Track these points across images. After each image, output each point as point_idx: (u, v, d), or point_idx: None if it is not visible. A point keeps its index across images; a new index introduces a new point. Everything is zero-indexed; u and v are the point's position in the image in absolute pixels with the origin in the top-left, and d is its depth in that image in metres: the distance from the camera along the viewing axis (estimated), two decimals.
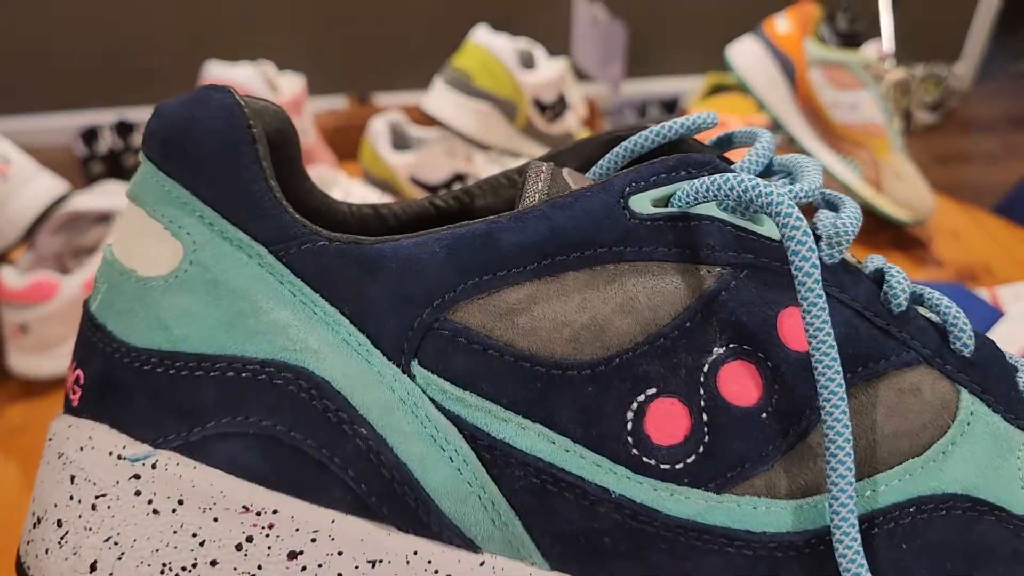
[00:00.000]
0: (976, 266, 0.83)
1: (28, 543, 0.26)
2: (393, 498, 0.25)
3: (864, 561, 0.23)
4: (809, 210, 0.29)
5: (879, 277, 0.27)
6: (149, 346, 0.26)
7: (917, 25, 2.84)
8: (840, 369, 0.23)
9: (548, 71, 0.89)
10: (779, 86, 0.86)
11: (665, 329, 0.25)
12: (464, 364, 0.25)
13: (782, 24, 0.86)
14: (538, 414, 0.25)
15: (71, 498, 0.26)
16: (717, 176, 0.25)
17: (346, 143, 1.06)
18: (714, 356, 0.25)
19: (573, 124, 0.96)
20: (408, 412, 0.25)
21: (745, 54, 0.87)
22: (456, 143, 0.84)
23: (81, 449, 0.26)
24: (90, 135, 2.41)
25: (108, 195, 0.76)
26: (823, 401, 0.23)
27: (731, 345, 0.25)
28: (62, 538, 0.25)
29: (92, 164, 2.37)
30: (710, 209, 0.26)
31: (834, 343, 0.23)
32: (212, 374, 0.25)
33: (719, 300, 0.25)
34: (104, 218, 0.76)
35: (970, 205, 0.94)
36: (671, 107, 2.64)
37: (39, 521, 0.26)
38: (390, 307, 0.25)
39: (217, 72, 0.76)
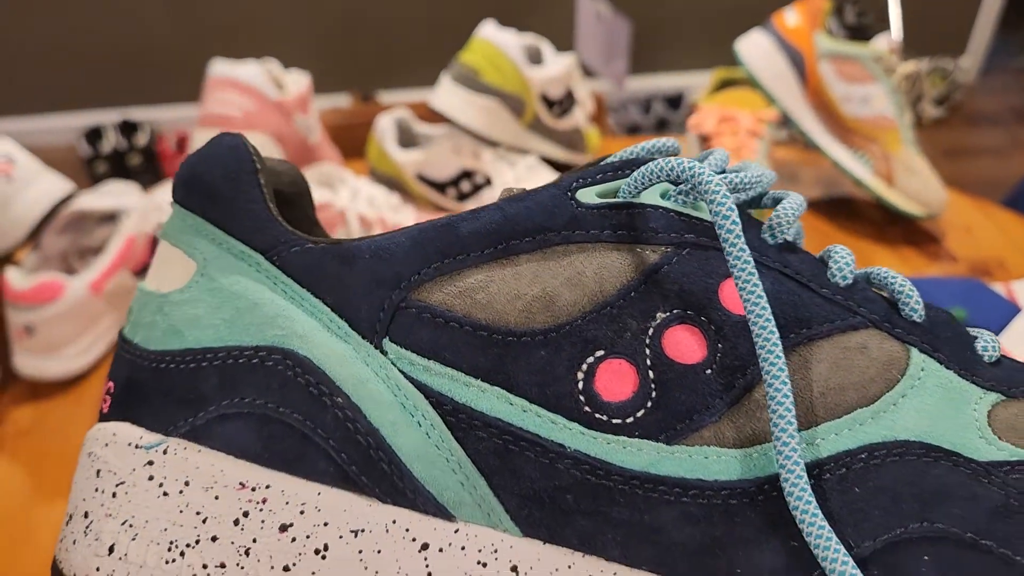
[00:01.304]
0: (989, 261, 0.82)
1: (61, 540, 0.29)
2: (370, 464, 0.27)
3: (812, 500, 0.24)
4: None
5: (826, 257, 0.29)
6: (165, 349, 0.29)
7: (922, 19, 2.83)
8: (773, 323, 0.25)
9: (556, 66, 0.88)
10: (789, 80, 0.85)
11: (611, 298, 0.27)
12: (428, 337, 0.27)
13: (792, 17, 0.85)
14: (496, 378, 0.27)
15: (96, 490, 0.28)
16: (651, 163, 0.27)
17: (351, 141, 1.06)
18: (658, 320, 0.27)
19: (581, 120, 0.95)
20: (380, 383, 0.27)
21: (754, 48, 0.86)
22: (463, 140, 0.84)
23: (106, 445, 0.29)
24: (94, 135, 2.41)
25: (113, 195, 0.75)
26: (758, 349, 0.25)
27: (675, 311, 0.27)
28: (87, 527, 0.28)
29: (96, 164, 2.37)
30: (653, 198, 0.28)
31: (763, 297, 0.25)
32: (214, 364, 0.28)
33: (662, 272, 0.27)
34: (109, 217, 0.75)
35: (979, 199, 0.93)
36: (676, 103, 2.63)
37: (70, 518, 0.29)
38: (364, 292, 0.28)
39: (223, 70, 0.75)
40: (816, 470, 0.26)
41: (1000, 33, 3.06)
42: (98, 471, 0.28)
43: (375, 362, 0.27)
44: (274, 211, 0.30)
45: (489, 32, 0.86)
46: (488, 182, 0.82)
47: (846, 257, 0.28)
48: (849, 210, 0.91)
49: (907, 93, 0.85)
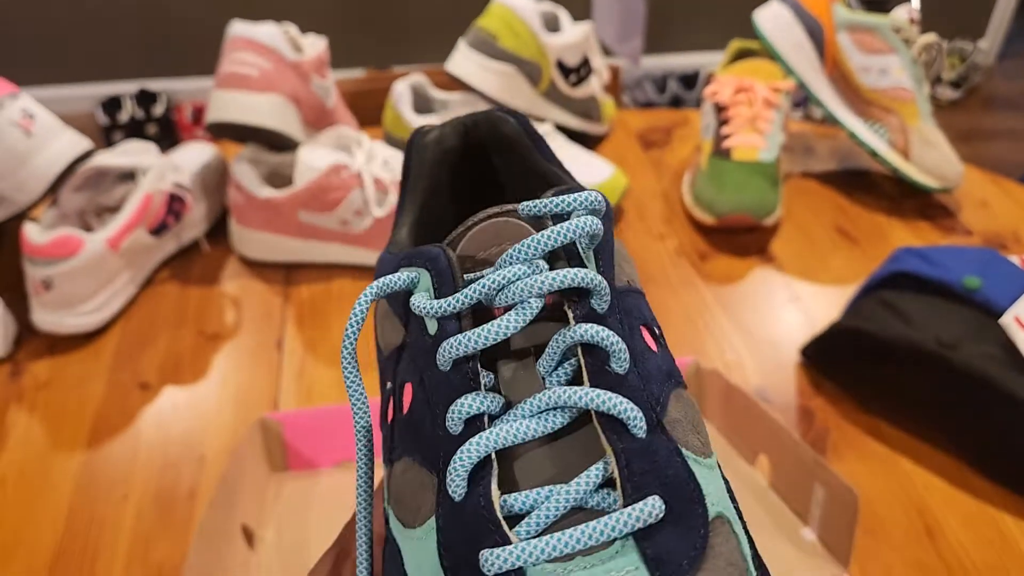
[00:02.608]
0: (1005, 234, 0.82)
1: None
2: None
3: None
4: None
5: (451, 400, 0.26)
6: None
7: (942, 1, 2.80)
8: (367, 452, 0.28)
9: (572, 33, 0.88)
10: (806, 50, 0.85)
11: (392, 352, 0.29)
12: None
13: None
14: None
15: None
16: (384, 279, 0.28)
17: (366, 110, 1.06)
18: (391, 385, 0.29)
19: (596, 89, 0.95)
20: None
21: (773, 18, 0.85)
22: (479, 106, 0.84)
23: None
24: (112, 104, 2.42)
25: (131, 153, 0.75)
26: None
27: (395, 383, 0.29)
28: None
29: (113, 132, 2.37)
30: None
31: (363, 432, 0.28)
32: None
33: (404, 349, 0.29)
34: (128, 176, 0.76)
35: (996, 175, 0.93)
36: (691, 82, 2.62)
37: None
38: None
39: (241, 30, 0.75)
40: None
41: (1019, 17, 3.03)
42: None
43: None
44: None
45: None
46: None
47: (460, 409, 0.24)
48: (865, 183, 0.91)
49: (926, 64, 0.84)
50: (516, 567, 0.21)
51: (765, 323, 0.72)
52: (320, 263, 0.79)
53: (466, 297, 0.25)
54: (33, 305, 0.69)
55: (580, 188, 0.27)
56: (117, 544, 0.56)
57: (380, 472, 0.38)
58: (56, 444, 0.63)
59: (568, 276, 0.24)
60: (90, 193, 0.75)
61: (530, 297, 0.24)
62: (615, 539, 0.21)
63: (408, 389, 0.27)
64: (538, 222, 0.27)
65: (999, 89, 2.87)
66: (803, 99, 2.46)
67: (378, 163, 0.75)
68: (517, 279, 0.25)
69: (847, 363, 0.65)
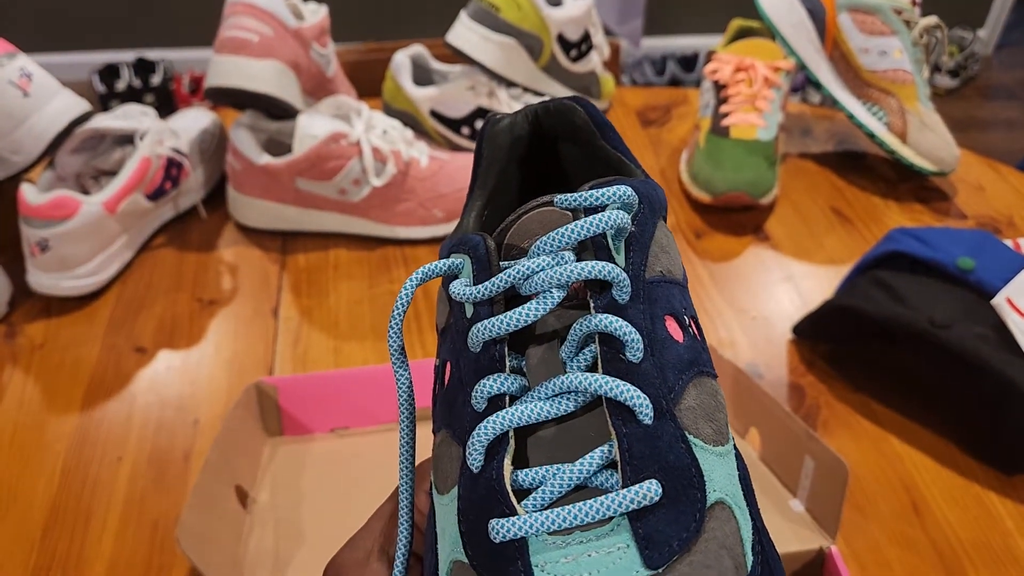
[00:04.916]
0: (1000, 219, 0.83)
1: None
2: None
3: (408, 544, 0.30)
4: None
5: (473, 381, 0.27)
6: None
7: None
8: (409, 433, 0.30)
9: (575, 7, 0.87)
10: (807, 30, 0.85)
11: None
12: None
13: None
14: None
15: None
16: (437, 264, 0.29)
17: (366, 82, 1.06)
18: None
19: (597, 65, 0.95)
20: None
21: None
22: (480, 78, 0.84)
23: None
24: (109, 73, 2.40)
25: (130, 117, 0.75)
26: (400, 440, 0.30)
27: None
28: None
29: (110, 101, 2.36)
30: None
31: (406, 403, 0.30)
32: None
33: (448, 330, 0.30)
34: (126, 140, 0.75)
35: (993, 160, 0.93)
36: (690, 64, 2.62)
37: None
38: None
39: None
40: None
41: (1018, 7, 3.03)
42: None
43: None
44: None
45: None
46: None
47: (484, 389, 0.26)
48: (862, 164, 0.91)
49: (927, 48, 0.84)
50: (519, 537, 0.23)
51: (758, 301, 0.73)
52: (317, 232, 0.79)
53: (494, 285, 0.26)
54: (29, 266, 0.69)
55: (626, 179, 0.28)
56: (111, 504, 0.56)
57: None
58: (51, 405, 0.63)
59: (587, 268, 0.25)
60: (87, 156, 0.74)
61: (551, 287, 0.26)
62: (611, 517, 0.23)
63: (448, 368, 0.28)
64: (574, 214, 0.27)
65: (997, 79, 2.87)
66: (800, 84, 2.46)
67: (377, 133, 0.75)
68: (541, 269, 0.26)
69: (839, 341, 0.66)
